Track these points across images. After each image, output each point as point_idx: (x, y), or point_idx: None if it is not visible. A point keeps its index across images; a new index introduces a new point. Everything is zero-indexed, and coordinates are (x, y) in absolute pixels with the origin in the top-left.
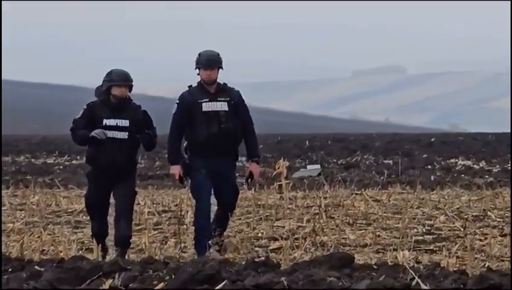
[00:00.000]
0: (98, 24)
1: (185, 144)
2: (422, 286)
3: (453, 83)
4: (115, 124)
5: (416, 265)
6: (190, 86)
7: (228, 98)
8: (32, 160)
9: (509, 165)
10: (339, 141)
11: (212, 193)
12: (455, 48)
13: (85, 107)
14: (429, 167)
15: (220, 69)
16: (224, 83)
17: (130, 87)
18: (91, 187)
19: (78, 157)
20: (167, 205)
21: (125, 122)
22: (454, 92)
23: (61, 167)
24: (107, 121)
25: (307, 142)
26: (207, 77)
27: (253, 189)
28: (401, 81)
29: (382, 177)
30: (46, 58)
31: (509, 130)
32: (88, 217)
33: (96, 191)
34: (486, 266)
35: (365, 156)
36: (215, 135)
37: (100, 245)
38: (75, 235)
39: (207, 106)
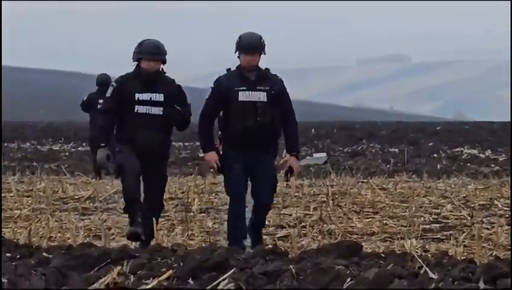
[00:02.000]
0: (106, 12)
1: (219, 133)
2: (431, 274)
3: (458, 71)
4: (149, 99)
5: (424, 254)
6: (229, 70)
7: (268, 87)
8: (38, 147)
9: None
10: (345, 129)
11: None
12: (460, 36)
13: (114, 84)
14: (435, 155)
15: (262, 55)
16: (266, 69)
17: (163, 61)
18: (126, 154)
19: (84, 144)
20: (174, 192)
21: (159, 97)
22: (459, 80)
23: (67, 154)
24: (139, 96)
25: (313, 130)
26: (247, 63)
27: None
28: (405, 69)
29: (388, 166)
30: (52, 44)
31: None
32: (97, 205)
33: (132, 158)
34: (493, 255)
35: (371, 145)
36: (250, 129)
37: (132, 216)
38: (82, 222)
39: (244, 95)
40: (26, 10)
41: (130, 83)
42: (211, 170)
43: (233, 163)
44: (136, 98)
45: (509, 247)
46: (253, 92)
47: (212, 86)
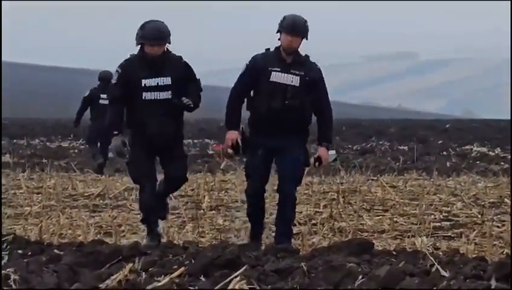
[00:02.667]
0: (115, 7)
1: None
2: (442, 272)
3: (466, 69)
4: (156, 84)
5: (435, 251)
6: (268, 49)
7: (303, 73)
8: (47, 143)
9: None
10: (354, 126)
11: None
12: (468, 34)
13: (119, 70)
14: (444, 153)
15: (304, 39)
16: (306, 55)
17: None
18: (134, 155)
19: (87, 140)
20: (184, 189)
21: (166, 80)
22: (467, 78)
23: (76, 151)
24: (145, 82)
25: None
26: (287, 44)
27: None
28: (413, 67)
29: (398, 164)
30: (60, 41)
31: None
32: (107, 202)
33: (140, 158)
34: (505, 252)
35: (380, 142)
36: (277, 111)
37: (150, 226)
38: (93, 219)
39: (276, 76)
40: (37, 6)
41: (136, 67)
42: (228, 150)
43: (256, 148)
44: (143, 85)
45: None
46: (286, 75)
47: (247, 63)
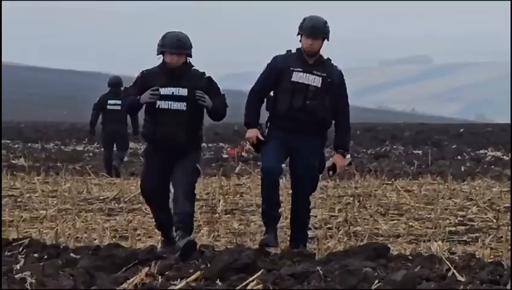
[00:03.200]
0: (130, 11)
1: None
2: (459, 277)
3: (479, 73)
4: (171, 93)
5: (450, 256)
6: (289, 51)
7: (325, 74)
8: (62, 147)
9: None
10: (368, 130)
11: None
12: (482, 38)
13: (138, 75)
14: (459, 157)
15: (326, 40)
16: (328, 58)
17: (188, 55)
18: (148, 168)
19: (102, 145)
20: (198, 193)
21: (183, 91)
22: (480, 82)
23: (90, 155)
24: (162, 90)
25: None
26: (308, 47)
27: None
28: (427, 71)
29: (412, 168)
30: (73, 44)
31: None
32: (122, 205)
33: (153, 172)
34: None
35: (394, 146)
36: (298, 110)
37: (165, 238)
38: (108, 223)
39: (297, 76)
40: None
41: (155, 75)
42: (249, 147)
43: (271, 139)
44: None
45: None
46: (308, 75)
47: (269, 62)
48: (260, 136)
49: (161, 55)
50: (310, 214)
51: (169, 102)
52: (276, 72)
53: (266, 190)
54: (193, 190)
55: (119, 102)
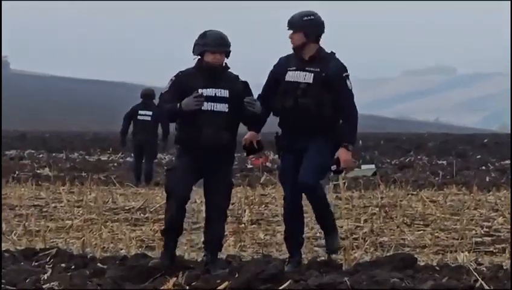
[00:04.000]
0: (150, 23)
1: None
2: (486, 288)
3: (502, 83)
4: (213, 94)
5: (477, 267)
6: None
7: (318, 69)
8: (86, 157)
9: None
10: (392, 140)
11: None
12: (505, 48)
13: (173, 78)
14: (483, 168)
15: (310, 35)
16: (331, 52)
17: (227, 54)
18: (181, 173)
19: (132, 154)
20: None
21: (224, 93)
22: (503, 92)
23: (115, 164)
24: (203, 91)
25: (360, 141)
26: (290, 40)
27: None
28: (450, 81)
29: (437, 178)
30: (98, 55)
31: None
32: (148, 215)
33: (186, 179)
34: None
35: (419, 157)
36: (290, 110)
37: (166, 244)
38: (134, 233)
39: (290, 75)
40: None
41: (192, 77)
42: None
43: (284, 152)
44: (200, 93)
45: None
46: (300, 72)
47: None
48: (254, 142)
49: (197, 56)
50: (330, 208)
51: (212, 103)
52: (277, 74)
53: (287, 215)
54: (226, 210)
55: (149, 113)
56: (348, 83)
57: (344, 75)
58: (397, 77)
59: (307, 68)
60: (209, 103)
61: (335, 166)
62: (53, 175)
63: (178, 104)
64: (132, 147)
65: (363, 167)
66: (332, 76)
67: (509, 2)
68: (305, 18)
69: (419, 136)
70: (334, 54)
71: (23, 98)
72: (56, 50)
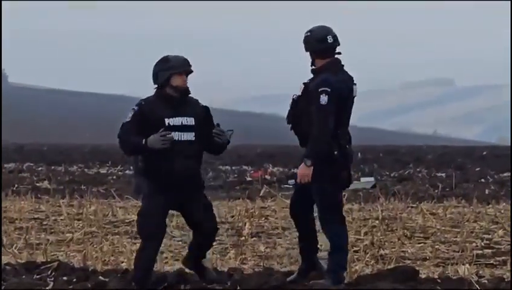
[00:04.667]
0: (147, 34)
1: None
2: None
3: (501, 95)
4: (180, 124)
5: (479, 279)
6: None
7: (308, 81)
8: (85, 170)
9: None
10: (391, 153)
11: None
12: (504, 60)
13: (135, 108)
14: (482, 180)
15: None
16: (334, 68)
17: (189, 74)
18: (153, 220)
19: (131, 167)
20: (223, 216)
21: (190, 120)
22: (502, 104)
23: (114, 177)
24: (170, 121)
25: (359, 154)
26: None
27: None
28: (449, 93)
29: (436, 191)
30: (95, 67)
31: None
32: None
33: (159, 210)
34: None
35: (418, 169)
36: (288, 124)
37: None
38: (135, 246)
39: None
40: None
41: (157, 106)
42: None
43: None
44: (167, 124)
45: None
46: (301, 85)
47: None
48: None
49: (156, 85)
50: (336, 233)
51: (179, 133)
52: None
53: (297, 229)
54: (217, 229)
55: None
56: (321, 98)
57: (320, 90)
58: (396, 89)
59: (306, 81)
60: (177, 132)
61: (293, 180)
62: (52, 188)
63: (143, 140)
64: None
65: (362, 179)
66: (311, 89)
67: (510, 2)
68: (305, 34)
69: (418, 148)
70: (329, 69)
71: (21, 111)
72: (55, 63)
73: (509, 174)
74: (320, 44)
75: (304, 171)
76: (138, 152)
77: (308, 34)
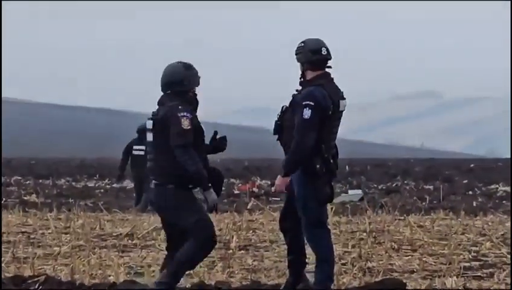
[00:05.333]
0: (136, 45)
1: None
2: None
3: (489, 108)
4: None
5: None
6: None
7: (296, 92)
8: (73, 183)
9: None
10: (379, 166)
11: None
12: (492, 72)
13: (187, 114)
14: (470, 192)
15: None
16: (324, 81)
17: None
18: (206, 214)
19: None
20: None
21: None
22: (490, 117)
23: (102, 191)
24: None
25: (347, 167)
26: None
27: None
28: (437, 106)
29: (424, 203)
30: (82, 81)
31: None
32: (136, 242)
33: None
34: None
35: (405, 182)
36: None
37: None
38: (123, 259)
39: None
40: (59, 49)
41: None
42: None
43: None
44: (204, 136)
45: None
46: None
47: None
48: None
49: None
50: (321, 245)
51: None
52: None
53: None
54: None
55: (143, 147)
56: (304, 111)
57: (304, 103)
58: (384, 102)
59: (294, 93)
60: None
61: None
62: (40, 202)
63: (209, 185)
64: (132, 178)
65: (350, 192)
66: (297, 101)
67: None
68: (298, 45)
69: (406, 161)
70: (326, 83)
71: (8, 125)
72: (43, 77)
73: (497, 186)
74: (314, 55)
75: (278, 181)
76: (197, 179)
77: (302, 44)
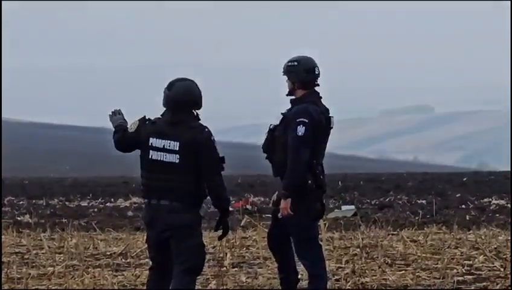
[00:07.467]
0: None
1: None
2: None
3: (480, 122)
4: None
5: None
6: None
7: (286, 110)
8: (66, 203)
9: None
10: (371, 181)
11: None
12: (483, 87)
13: (213, 138)
14: (463, 206)
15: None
16: (313, 99)
17: None
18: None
19: (112, 199)
20: (205, 246)
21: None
22: (482, 131)
23: (95, 210)
24: None
25: (339, 182)
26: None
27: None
28: (429, 120)
29: (417, 217)
30: (75, 100)
31: None
32: (130, 260)
33: None
34: None
35: (398, 196)
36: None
37: None
38: (117, 278)
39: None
40: (51, 68)
41: None
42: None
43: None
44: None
45: None
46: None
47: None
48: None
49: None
50: (313, 261)
51: None
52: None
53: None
54: None
55: None
56: (298, 129)
57: (298, 120)
58: (376, 117)
59: (283, 112)
60: None
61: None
62: (33, 222)
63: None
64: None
65: (343, 207)
66: (289, 118)
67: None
68: (289, 64)
69: (399, 175)
70: (314, 101)
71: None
72: (35, 96)
73: (489, 199)
74: (308, 75)
75: (283, 205)
76: (227, 205)
77: (295, 63)
